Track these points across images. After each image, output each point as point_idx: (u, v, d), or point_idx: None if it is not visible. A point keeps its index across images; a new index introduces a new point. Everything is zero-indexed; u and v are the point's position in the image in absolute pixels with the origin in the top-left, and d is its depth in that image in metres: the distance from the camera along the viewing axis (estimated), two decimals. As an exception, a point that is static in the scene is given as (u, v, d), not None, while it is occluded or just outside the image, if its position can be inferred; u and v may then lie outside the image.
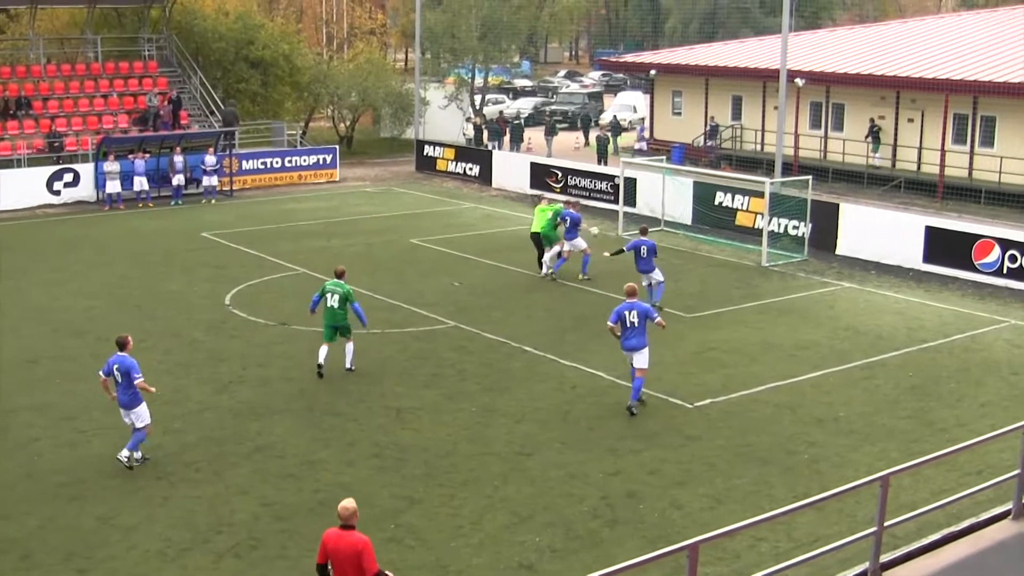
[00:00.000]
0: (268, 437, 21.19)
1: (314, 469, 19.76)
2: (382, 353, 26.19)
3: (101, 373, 19.97)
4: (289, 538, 17.21)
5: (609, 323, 22.21)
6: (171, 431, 21.60)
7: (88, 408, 22.86)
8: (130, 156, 48.77)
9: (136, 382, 19.55)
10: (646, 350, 22.07)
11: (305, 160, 55.37)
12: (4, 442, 21.32)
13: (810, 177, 39.25)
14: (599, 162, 55.40)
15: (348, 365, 24.84)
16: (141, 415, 19.83)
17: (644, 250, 29.40)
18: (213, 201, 49.58)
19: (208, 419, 22.20)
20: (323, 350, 24.66)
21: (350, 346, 24.93)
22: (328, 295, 24.51)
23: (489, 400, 23.09)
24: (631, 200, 43.40)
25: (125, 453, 19.86)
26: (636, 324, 21.86)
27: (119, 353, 19.79)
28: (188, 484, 19.21)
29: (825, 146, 54.98)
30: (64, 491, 19.02)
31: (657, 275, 29.72)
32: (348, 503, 12.62)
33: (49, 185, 49.14)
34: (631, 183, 43.76)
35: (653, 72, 63.06)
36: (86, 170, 49.57)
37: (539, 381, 24.21)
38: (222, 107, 55.85)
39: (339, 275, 24.86)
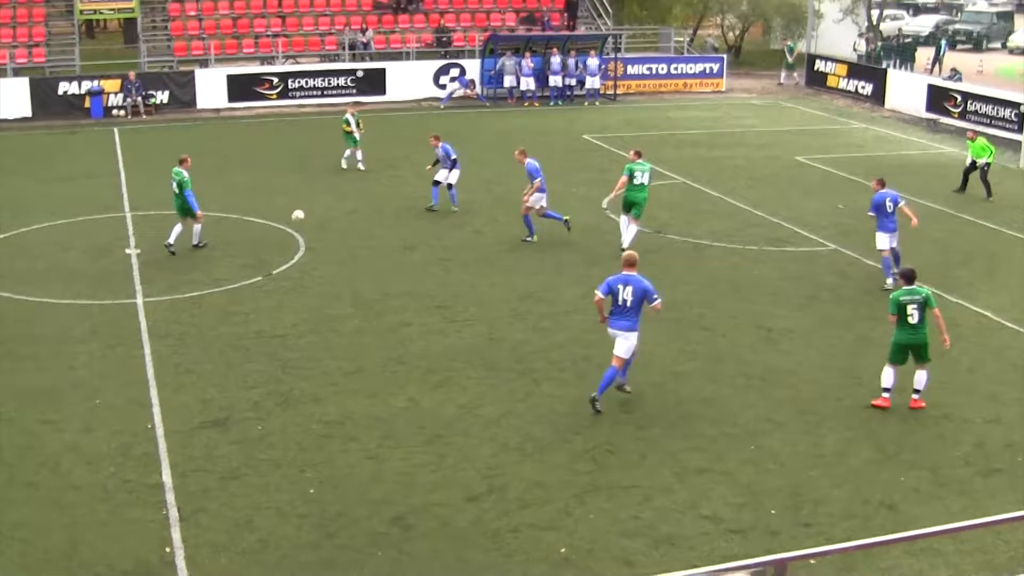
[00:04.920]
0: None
1: (677, 381, 19.43)
2: (758, 271, 25.54)
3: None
4: (647, 447, 16.96)
5: (597, 294, 18.32)
6: (539, 329, 21.71)
7: (460, 298, 23.26)
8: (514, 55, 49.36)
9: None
10: (634, 335, 18.19)
11: (691, 68, 54.77)
12: (378, 325, 21.92)
13: None
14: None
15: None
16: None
17: (889, 204, 24.34)
18: (596, 104, 49.68)
19: (577, 321, 22.16)
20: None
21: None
22: (637, 173, 26.35)
23: (865, 329, 22.07)
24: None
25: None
26: (628, 303, 18.02)
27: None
28: (552, 383, 19.22)
29: None
30: (430, 377, 19.38)
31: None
32: None
33: (435, 79, 50.43)
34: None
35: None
36: (472, 66, 50.53)
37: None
38: (610, 10, 55.67)
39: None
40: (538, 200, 27.57)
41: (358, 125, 35.23)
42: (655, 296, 17.92)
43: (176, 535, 14.36)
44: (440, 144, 29.86)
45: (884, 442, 17.28)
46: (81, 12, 52.16)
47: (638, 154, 26.89)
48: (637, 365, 19.34)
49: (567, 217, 27.94)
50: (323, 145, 39.40)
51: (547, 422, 17.74)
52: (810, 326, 22.20)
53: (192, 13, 52.47)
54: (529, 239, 27.60)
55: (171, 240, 26.15)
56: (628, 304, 17.88)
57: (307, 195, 31.91)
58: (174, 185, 26.22)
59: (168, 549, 14.08)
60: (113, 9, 52.98)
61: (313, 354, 20.45)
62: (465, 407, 18.25)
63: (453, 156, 29.65)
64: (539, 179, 27.32)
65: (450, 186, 30.14)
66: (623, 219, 26.89)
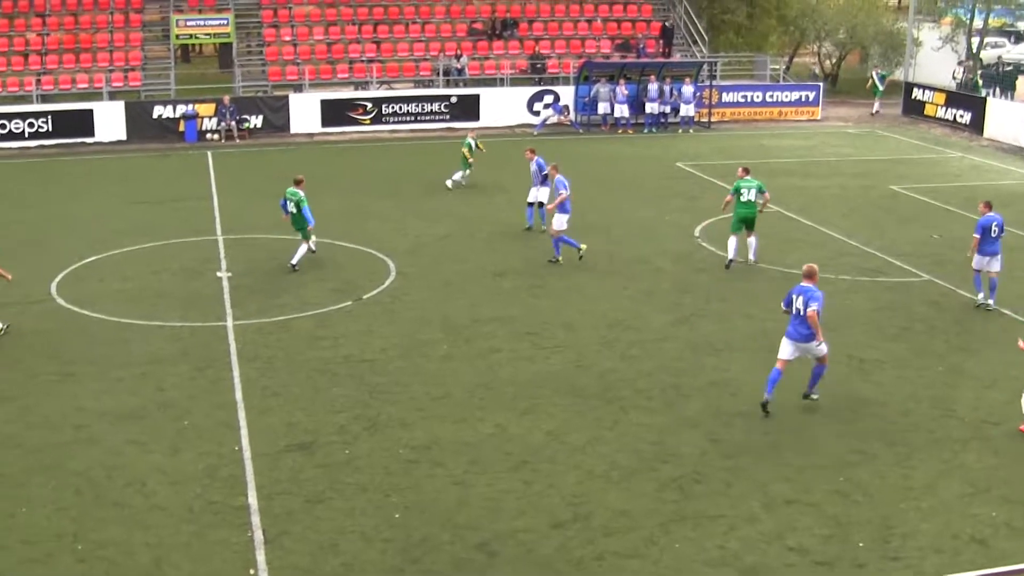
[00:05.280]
0: (724, 373, 20.78)
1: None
2: (850, 301, 25.21)
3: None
4: (734, 476, 16.76)
5: (783, 306, 19.31)
6: (628, 357, 21.58)
7: (549, 325, 23.21)
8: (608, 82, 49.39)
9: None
10: (813, 344, 18.82)
11: (786, 96, 54.40)
12: (467, 351, 21.92)
13: None
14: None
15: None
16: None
17: (995, 228, 24.38)
18: (690, 131, 49.52)
19: (666, 349, 22.02)
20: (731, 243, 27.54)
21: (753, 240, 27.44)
22: (744, 190, 27.20)
23: (958, 360, 21.72)
24: None
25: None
26: (803, 312, 18.65)
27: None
28: (640, 411, 19.08)
29: None
30: (518, 403, 19.32)
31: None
32: None
33: (529, 105, 50.57)
34: None
35: None
36: (566, 93, 50.63)
37: (1015, 347, 22.59)
38: (705, 37, 55.50)
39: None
40: (560, 222, 27.66)
41: (478, 147, 36.13)
42: (812, 304, 18.57)
43: (260, 557, 14.40)
44: (535, 158, 30.00)
45: (976, 476, 16.93)
46: (177, 37, 52.96)
47: (746, 171, 27.80)
48: (725, 394, 19.27)
49: (583, 247, 27.96)
50: (416, 170, 39.67)
51: (633, 450, 17.60)
52: (902, 357, 21.86)
53: (287, 38, 53.10)
54: (555, 259, 27.94)
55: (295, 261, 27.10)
56: (803, 313, 18.66)
57: (399, 220, 32.11)
58: (291, 206, 26.88)
59: (252, 571, 14.12)
60: (209, 34, 53.74)
61: (401, 379, 20.47)
62: (552, 434, 18.17)
63: (544, 171, 29.63)
64: (565, 193, 27.51)
65: (540, 204, 30.22)
66: (732, 239, 27.56)
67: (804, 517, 15.58)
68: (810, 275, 19.00)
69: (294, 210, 26.92)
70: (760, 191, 27.44)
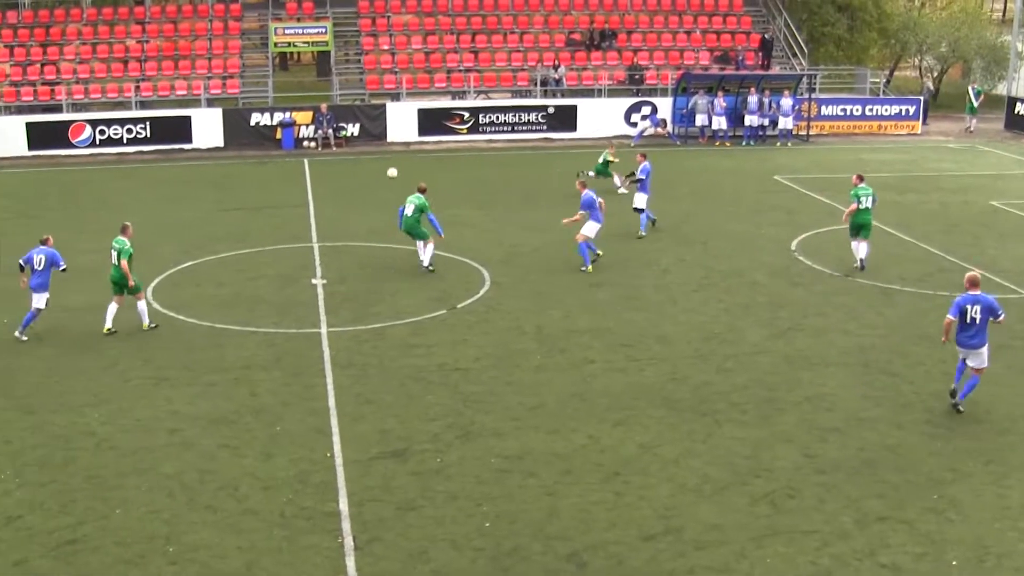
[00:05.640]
0: (819, 388, 20.56)
1: (861, 427, 18.94)
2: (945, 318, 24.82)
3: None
4: (827, 492, 16.56)
5: (948, 317, 19.26)
6: (723, 370, 21.42)
7: (644, 337, 23.12)
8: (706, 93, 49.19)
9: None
10: (984, 349, 19.26)
11: (886, 110, 53.80)
12: (561, 361, 21.89)
13: None
14: None
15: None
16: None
17: None
18: (788, 145, 49.15)
19: (761, 363, 21.84)
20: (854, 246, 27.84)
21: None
22: (862, 198, 27.79)
23: (1061, 380, 21.36)
24: None
25: None
26: (978, 320, 19.08)
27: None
28: (733, 424, 18.93)
29: None
30: (611, 415, 19.25)
31: None
32: None
33: (626, 116, 50.48)
34: None
35: None
36: (664, 104, 50.50)
37: (1120, 367, 22.17)
38: (805, 50, 55.06)
39: None
40: (592, 229, 28.25)
41: (610, 160, 37.82)
42: (1000, 312, 19.18)
43: (351, 563, 14.47)
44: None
45: (1077, 498, 16.62)
46: (275, 45, 53.56)
47: (860, 178, 28.47)
48: (820, 409, 19.12)
49: (600, 253, 28.68)
50: (512, 180, 39.77)
51: (726, 464, 17.46)
52: (1000, 374, 21.43)
53: (385, 47, 53.45)
54: (584, 268, 28.19)
55: (426, 263, 27.78)
56: (977, 321, 19.04)
57: (494, 230, 32.18)
58: (411, 210, 27.37)
59: (342, 577, 14.21)
60: (307, 42, 54.21)
61: (495, 388, 20.49)
62: (644, 446, 18.07)
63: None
64: (585, 212, 28.02)
65: (640, 210, 31.01)
66: (854, 243, 28.40)
67: (897, 534, 15.36)
68: (975, 283, 19.38)
69: (413, 214, 27.33)
70: (874, 198, 28.10)
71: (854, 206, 27.95)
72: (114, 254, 23.30)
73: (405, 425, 18.77)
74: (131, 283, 23.33)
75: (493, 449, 17.88)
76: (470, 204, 36.06)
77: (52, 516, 15.81)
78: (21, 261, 23.41)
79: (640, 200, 31.27)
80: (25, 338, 23.11)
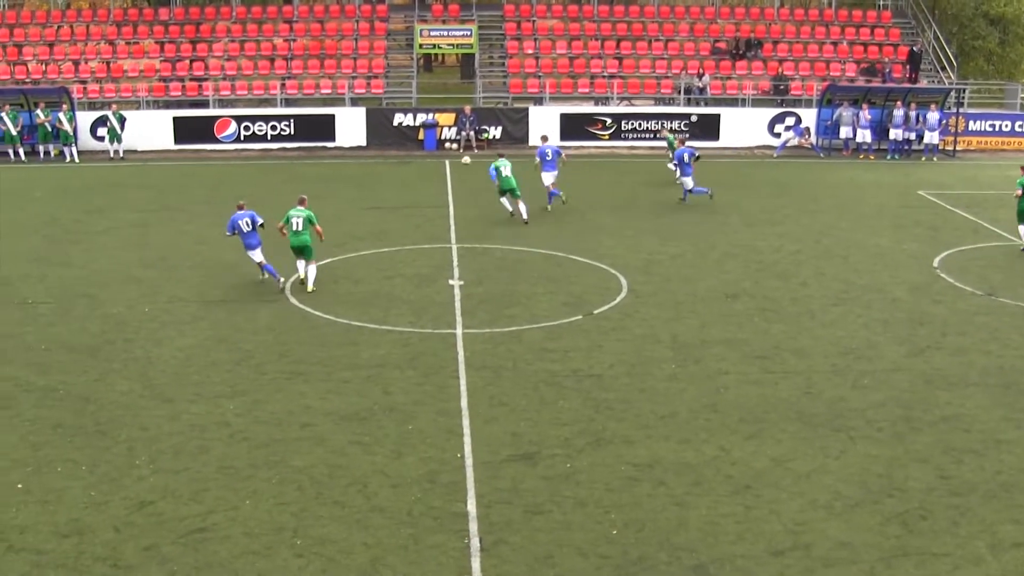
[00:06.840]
0: (957, 408, 20.16)
1: (999, 449, 18.53)
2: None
3: None
4: (961, 515, 16.23)
5: None
6: (859, 386, 21.12)
7: (780, 350, 22.89)
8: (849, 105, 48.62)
9: None
10: None
11: (1037, 125, 52.60)
12: (695, 371, 21.75)
13: None
14: None
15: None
16: None
17: None
18: (934, 159, 48.32)
19: (898, 380, 21.49)
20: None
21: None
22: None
23: None
24: None
25: None
26: None
27: None
28: (868, 442, 18.65)
29: None
30: (743, 427, 19.09)
31: None
32: None
33: (770, 127, 50.06)
34: None
35: None
36: (808, 115, 50.01)
37: None
38: (954, 63, 54.09)
39: None
40: (547, 179, 34.75)
41: None
42: None
43: (476, 565, 14.54)
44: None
45: None
46: (420, 46, 54.05)
47: None
48: (958, 429, 18.79)
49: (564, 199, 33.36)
50: (652, 188, 39.61)
51: (859, 481, 17.21)
52: None
53: (530, 51, 53.66)
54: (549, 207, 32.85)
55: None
56: None
57: (632, 237, 32.11)
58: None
59: (468, 577, 14.29)
60: (452, 44, 54.60)
61: (628, 396, 20.44)
62: (776, 460, 17.90)
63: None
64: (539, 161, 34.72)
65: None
66: (1021, 228, 30.75)
67: (1034, 562, 15.04)
68: None
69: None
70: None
71: (1020, 192, 30.04)
72: (298, 222, 25.75)
73: (536, 429, 18.82)
74: (322, 238, 26.46)
75: (623, 456, 17.84)
76: (610, 210, 36.03)
77: (183, 503, 16.15)
78: (227, 231, 26.70)
79: (688, 182, 36.46)
80: (282, 278, 26.47)
